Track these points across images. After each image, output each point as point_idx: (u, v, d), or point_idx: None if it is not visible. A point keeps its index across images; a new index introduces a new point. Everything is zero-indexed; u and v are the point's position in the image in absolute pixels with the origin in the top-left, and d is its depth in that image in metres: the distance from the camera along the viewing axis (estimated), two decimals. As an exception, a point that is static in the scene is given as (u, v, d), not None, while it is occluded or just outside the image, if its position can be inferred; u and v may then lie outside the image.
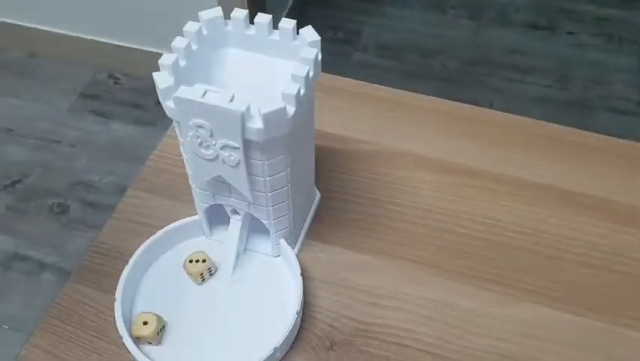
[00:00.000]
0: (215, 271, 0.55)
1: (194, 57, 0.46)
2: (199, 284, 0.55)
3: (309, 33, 0.46)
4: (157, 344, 0.50)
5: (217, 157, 0.45)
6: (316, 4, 1.97)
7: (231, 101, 0.41)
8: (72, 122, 1.75)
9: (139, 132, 1.70)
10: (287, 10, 1.80)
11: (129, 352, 0.50)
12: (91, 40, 1.81)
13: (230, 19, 0.47)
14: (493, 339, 0.53)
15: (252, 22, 0.47)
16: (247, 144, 0.44)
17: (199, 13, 0.46)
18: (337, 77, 0.71)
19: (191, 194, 0.58)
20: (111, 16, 1.74)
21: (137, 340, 0.50)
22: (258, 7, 1.61)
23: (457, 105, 0.70)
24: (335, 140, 0.66)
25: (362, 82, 0.72)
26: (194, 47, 0.45)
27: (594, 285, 0.56)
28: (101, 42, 1.81)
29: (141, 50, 1.77)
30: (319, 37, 0.45)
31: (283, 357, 0.52)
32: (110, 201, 1.54)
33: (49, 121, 1.75)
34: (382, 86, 0.71)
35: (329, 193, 0.62)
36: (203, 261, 0.54)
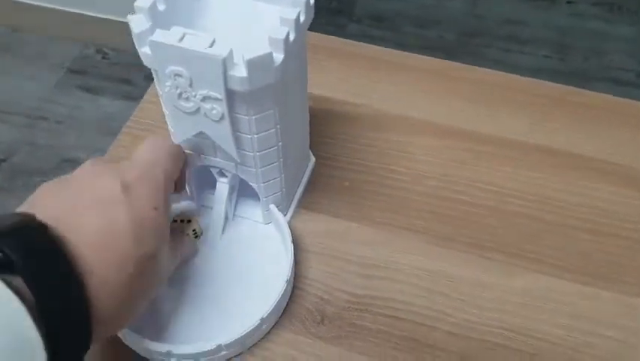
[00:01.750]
0: (201, 233, 0.51)
1: (174, 0, 0.41)
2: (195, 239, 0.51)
3: (300, -26, 0.41)
4: None
5: (198, 110, 0.41)
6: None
7: (212, 45, 0.37)
8: (59, 99, 1.70)
9: (128, 108, 1.66)
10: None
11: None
12: (78, 13, 1.77)
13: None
14: (495, 311, 0.50)
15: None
16: (231, 95, 0.40)
17: (177, -49, 0.42)
18: (327, 36, 0.67)
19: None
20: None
21: None
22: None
23: (454, 65, 0.66)
24: (326, 102, 0.62)
25: (353, 42, 0.67)
26: (172, -11, 0.41)
27: (602, 252, 0.53)
28: (88, 15, 1.76)
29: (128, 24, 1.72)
30: (310, -20, 0.41)
31: (270, 331, 0.48)
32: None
33: (35, 98, 1.70)
34: (375, 46, 0.67)
35: (320, 160, 0.58)
36: (188, 221, 0.50)
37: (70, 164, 1.56)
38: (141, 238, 0.37)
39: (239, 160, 0.45)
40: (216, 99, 0.40)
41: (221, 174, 0.50)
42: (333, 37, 0.67)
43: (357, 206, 0.55)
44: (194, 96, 0.40)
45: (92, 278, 0.34)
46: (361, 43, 0.67)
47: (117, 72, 1.76)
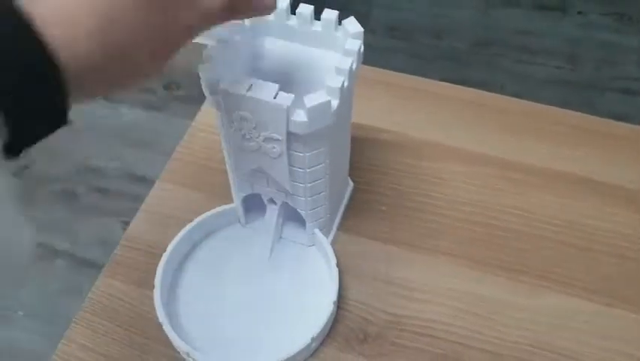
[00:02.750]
0: None
1: (237, 48, 0.45)
2: None
3: (352, 24, 0.45)
4: None
5: (259, 149, 0.45)
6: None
7: (277, 94, 0.41)
8: (78, 107, 1.73)
9: (147, 117, 1.69)
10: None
11: (168, 343, 0.50)
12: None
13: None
14: (524, 330, 0.53)
15: (293, 12, 0.47)
16: (290, 136, 0.43)
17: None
18: (368, 66, 0.70)
19: (219, 186, 0.58)
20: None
21: None
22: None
23: (481, 94, 0.69)
24: (363, 130, 0.65)
25: (384, 70, 0.71)
26: (236, 37, 0.45)
27: (626, 276, 0.56)
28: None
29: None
30: (362, 29, 0.45)
31: (317, 348, 0.52)
32: (118, 187, 1.53)
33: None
34: (404, 74, 0.71)
35: (359, 185, 0.61)
36: None
37: (91, 171, 1.60)
38: None
39: (291, 191, 0.49)
40: (277, 140, 0.44)
41: (272, 201, 0.53)
42: (372, 67, 0.70)
43: (394, 230, 0.59)
44: (257, 137, 0.44)
45: (39, 6, 0.27)
46: (398, 73, 0.71)
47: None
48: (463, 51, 1.80)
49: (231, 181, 0.54)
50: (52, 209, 1.52)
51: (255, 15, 0.38)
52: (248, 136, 0.44)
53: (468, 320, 0.54)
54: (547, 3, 1.90)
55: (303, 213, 0.52)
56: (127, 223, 0.60)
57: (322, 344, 0.52)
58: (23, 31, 0.26)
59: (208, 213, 0.56)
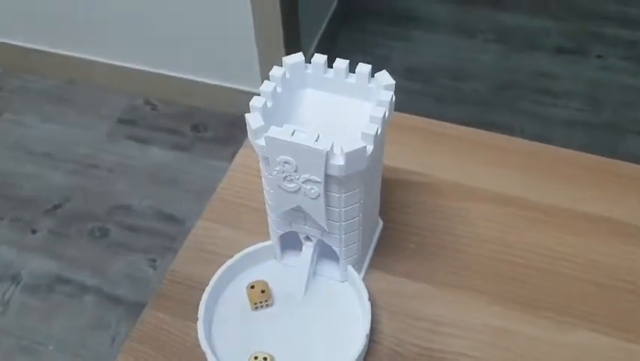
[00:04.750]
0: (272, 304, 0.58)
1: (278, 98, 0.49)
2: (253, 310, 0.58)
3: (384, 77, 0.49)
4: None
5: (299, 190, 0.49)
6: (346, 29, 2.02)
7: (317, 140, 0.45)
8: (110, 148, 1.79)
9: (175, 157, 1.74)
10: (319, 36, 1.85)
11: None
12: (128, 67, 1.87)
13: (310, 63, 0.51)
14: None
15: (330, 66, 0.51)
16: (328, 178, 0.47)
17: (283, 58, 0.50)
18: (397, 113, 0.74)
19: (257, 224, 0.62)
20: (146, 43, 1.79)
21: None
22: (293, 34, 1.66)
23: (503, 138, 0.73)
24: (392, 172, 0.69)
25: (411, 115, 0.75)
26: (278, 89, 0.49)
27: (645, 312, 0.59)
28: (137, 69, 1.86)
29: (177, 77, 1.82)
30: (394, 82, 0.49)
31: (351, 379, 0.54)
32: (148, 225, 1.58)
33: (87, 146, 1.79)
34: (431, 119, 0.75)
35: (388, 223, 0.65)
36: (262, 291, 0.57)
37: (122, 210, 1.65)
38: None
39: (327, 229, 0.53)
40: (315, 182, 0.48)
41: (308, 238, 0.57)
42: (402, 113, 0.74)
43: (423, 267, 0.62)
44: (298, 179, 0.48)
45: None
46: (425, 118, 0.75)
47: (165, 123, 1.84)
48: (485, 94, 1.85)
49: (270, 220, 0.57)
50: (83, 247, 1.57)
51: None
52: (289, 178, 0.48)
53: (494, 353, 0.56)
54: (567, 46, 1.94)
55: (337, 250, 0.56)
56: (154, 261, 0.63)
57: (355, 375, 0.55)
58: None
59: (247, 250, 0.60)
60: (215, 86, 1.79)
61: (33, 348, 1.39)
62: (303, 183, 0.48)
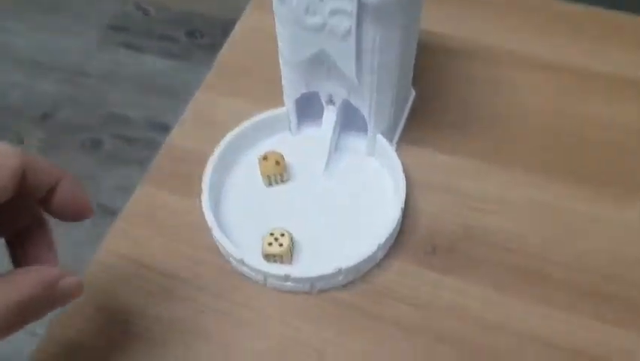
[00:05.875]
0: (288, 179, 0.50)
1: None
2: (266, 186, 0.50)
3: None
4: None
5: (324, 26, 0.40)
6: None
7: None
8: (101, 55, 1.69)
9: (170, 66, 1.64)
10: None
11: (218, 252, 0.45)
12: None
13: None
14: (608, 243, 0.48)
15: None
16: (361, 8, 0.38)
17: None
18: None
19: (266, 93, 0.53)
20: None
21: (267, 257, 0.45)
22: None
23: (556, 2, 0.63)
24: (428, 35, 0.60)
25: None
26: None
27: None
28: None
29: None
30: None
31: (381, 260, 0.47)
32: (143, 136, 1.50)
33: (77, 54, 1.70)
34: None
35: (422, 93, 0.56)
36: (277, 163, 0.49)
37: (115, 121, 1.56)
38: None
39: (356, 81, 0.44)
40: (346, 13, 0.38)
41: (330, 101, 0.48)
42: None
43: (461, 140, 0.53)
44: (323, 10, 0.38)
45: None
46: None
47: (158, 29, 1.74)
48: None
49: (283, 80, 0.49)
50: (75, 158, 1.49)
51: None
52: (312, 9, 0.39)
53: (546, 232, 0.48)
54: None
55: (365, 113, 0.47)
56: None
57: (387, 255, 0.47)
58: None
59: (256, 118, 0.51)
60: (211, -12, 1.68)
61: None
62: (329, 15, 0.39)
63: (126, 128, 1.55)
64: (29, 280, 0.28)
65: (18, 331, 0.27)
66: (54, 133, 1.54)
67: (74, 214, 0.31)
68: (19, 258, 0.32)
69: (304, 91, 0.48)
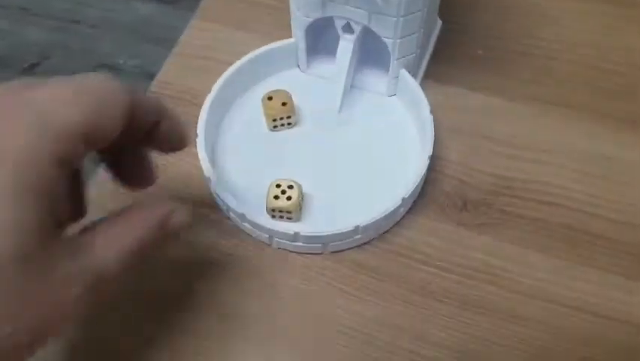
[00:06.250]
0: (297, 123, 0.43)
1: None
2: (271, 131, 0.43)
3: None
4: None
5: None
6: None
7: None
8: (92, 1, 1.61)
9: (162, 12, 1.56)
10: None
11: (216, 206, 0.39)
12: None
13: None
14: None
15: None
16: None
17: None
18: None
19: (271, 25, 0.46)
20: None
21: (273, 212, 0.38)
22: None
23: None
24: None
25: None
26: None
27: None
28: None
29: None
30: None
31: (404, 217, 0.40)
32: (135, 86, 1.42)
33: (66, 0, 1.61)
34: None
35: (449, 24, 0.49)
36: (283, 104, 0.42)
37: (107, 70, 1.48)
38: None
39: (381, 3, 0.36)
40: None
41: (348, 28, 0.41)
42: None
43: (495, 77, 0.47)
44: None
45: None
46: None
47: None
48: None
49: (292, 2, 0.41)
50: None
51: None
52: None
53: (592, 183, 0.42)
54: None
55: (389, 42, 0.40)
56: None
57: (411, 211, 0.41)
58: None
59: (260, 50, 0.44)
60: None
61: None
62: None
63: (118, 78, 1.47)
64: (145, 220, 0.28)
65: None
66: (44, 82, 1.47)
67: (171, 148, 0.32)
68: (120, 175, 0.32)
69: (318, 16, 0.40)
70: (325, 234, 0.37)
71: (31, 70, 1.61)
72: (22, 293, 0.22)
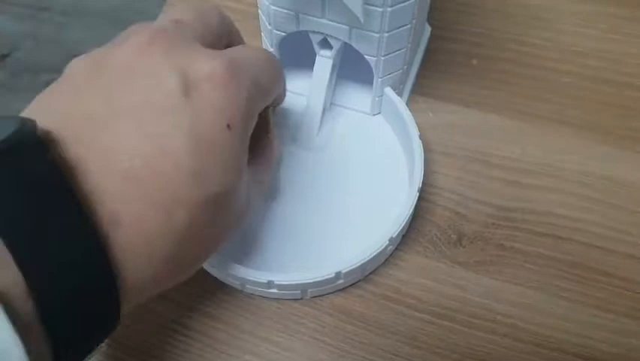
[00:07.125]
0: None
1: None
2: None
3: None
4: None
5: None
6: None
7: None
8: (63, -12, 1.55)
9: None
10: None
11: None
12: None
13: None
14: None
15: None
16: None
17: None
18: None
19: (243, 32, 0.41)
20: None
21: None
22: None
23: None
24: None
25: None
26: None
27: None
28: None
29: None
30: None
31: (392, 254, 0.36)
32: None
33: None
34: None
35: (438, 31, 0.44)
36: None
37: (82, 58, 1.43)
38: (202, 173, 0.24)
39: (362, 19, 0.32)
40: None
41: (325, 44, 0.36)
42: None
43: (491, 91, 0.42)
44: None
45: (120, 232, 0.22)
46: None
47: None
48: None
49: (264, 15, 0.36)
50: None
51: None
52: None
53: (606, 214, 0.38)
54: None
55: (372, 59, 0.35)
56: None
57: (400, 248, 0.36)
58: (98, 267, 0.21)
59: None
60: None
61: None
62: None
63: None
64: (271, 160, 0.33)
65: None
66: (14, 74, 1.42)
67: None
68: None
69: (291, 30, 0.35)
70: (302, 282, 0.32)
71: (1, 61, 1.54)
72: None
